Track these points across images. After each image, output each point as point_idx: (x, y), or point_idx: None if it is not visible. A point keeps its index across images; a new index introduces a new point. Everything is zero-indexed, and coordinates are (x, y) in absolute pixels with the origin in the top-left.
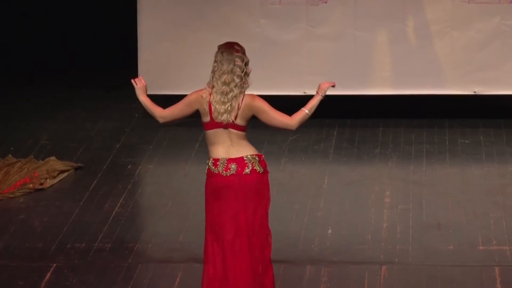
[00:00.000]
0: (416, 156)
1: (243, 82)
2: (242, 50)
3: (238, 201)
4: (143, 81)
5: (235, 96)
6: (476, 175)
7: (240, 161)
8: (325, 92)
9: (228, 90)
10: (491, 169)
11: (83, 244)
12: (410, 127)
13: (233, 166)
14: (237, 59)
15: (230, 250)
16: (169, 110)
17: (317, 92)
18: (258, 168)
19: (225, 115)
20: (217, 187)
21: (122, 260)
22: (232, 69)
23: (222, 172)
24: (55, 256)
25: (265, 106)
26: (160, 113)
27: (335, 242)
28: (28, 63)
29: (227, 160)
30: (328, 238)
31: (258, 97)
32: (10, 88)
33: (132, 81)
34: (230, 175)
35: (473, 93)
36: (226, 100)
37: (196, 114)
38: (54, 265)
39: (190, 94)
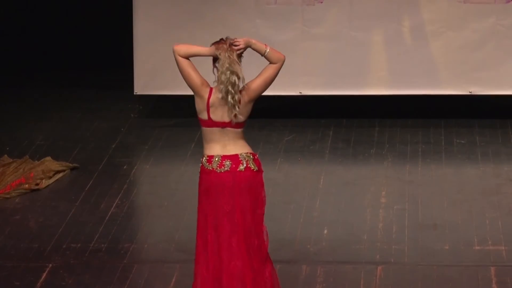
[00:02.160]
0: (411, 156)
1: (242, 79)
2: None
3: (233, 198)
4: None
5: (237, 93)
6: (472, 175)
7: (234, 158)
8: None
9: (232, 91)
10: (486, 169)
11: (79, 244)
12: (405, 127)
13: (227, 162)
14: (234, 64)
15: (226, 248)
16: (186, 62)
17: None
18: (253, 166)
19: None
20: (211, 184)
21: (118, 260)
22: (232, 71)
23: (216, 168)
24: (51, 256)
25: (259, 81)
26: (180, 57)
27: (331, 242)
28: (23, 63)
29: (222, 157)
30: (324, 238)
31: (250, 84)
32: (5, 89)
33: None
34: (224, 171)
35: (468, 93)
36: (232, 102)
37: (192, 114)
38: (50, 265)
39: (200, 77)
